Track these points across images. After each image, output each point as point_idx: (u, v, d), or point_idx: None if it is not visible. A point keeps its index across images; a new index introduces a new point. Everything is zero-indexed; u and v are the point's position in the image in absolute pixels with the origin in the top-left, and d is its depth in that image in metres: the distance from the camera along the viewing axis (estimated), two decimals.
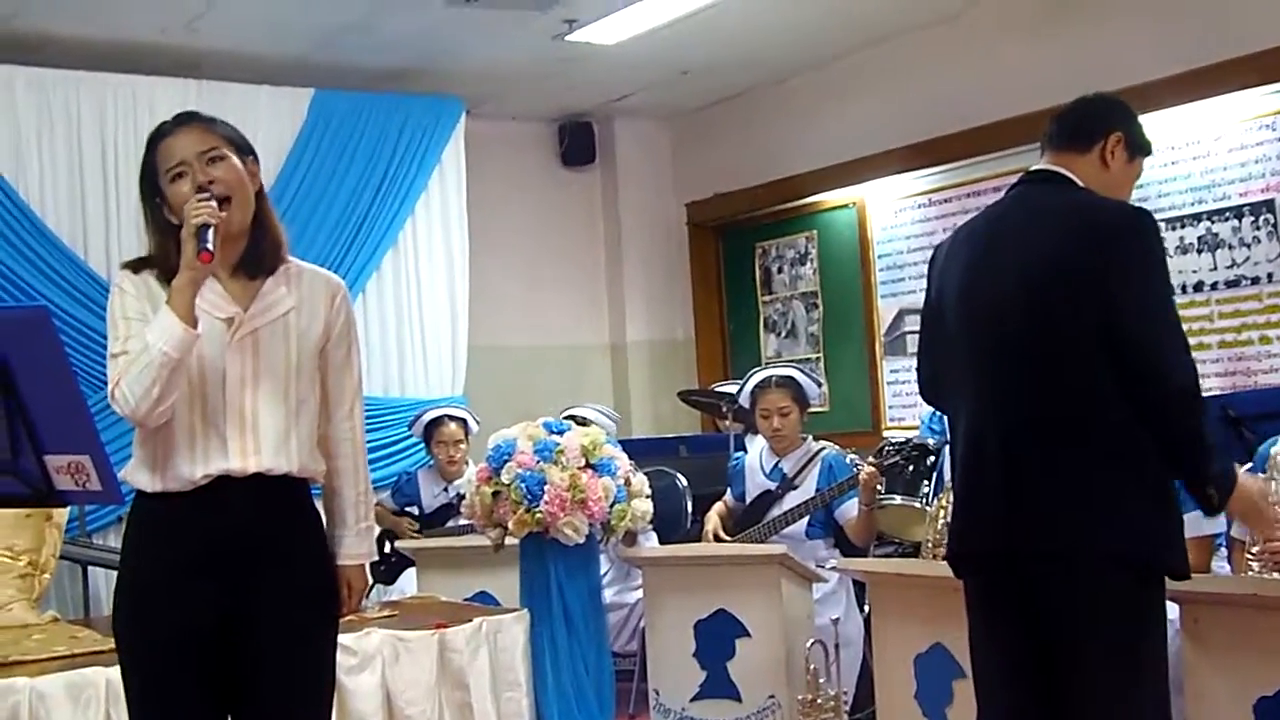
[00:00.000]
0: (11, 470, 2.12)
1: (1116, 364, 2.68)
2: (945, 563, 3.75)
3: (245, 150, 2.78)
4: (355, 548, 2.87)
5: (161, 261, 2.68)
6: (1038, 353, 2.77)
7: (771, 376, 5.19)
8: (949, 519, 3.10)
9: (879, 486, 5.08)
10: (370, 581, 3.05)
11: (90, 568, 5.72)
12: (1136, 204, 2.98)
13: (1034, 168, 2.99)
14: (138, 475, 2.69)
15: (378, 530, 2.97)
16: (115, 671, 3.47)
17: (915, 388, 3.29)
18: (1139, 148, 2.98)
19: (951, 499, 4.06)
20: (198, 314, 2.62)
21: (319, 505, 2.88)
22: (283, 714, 2.74)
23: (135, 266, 2.75)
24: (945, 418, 5.32)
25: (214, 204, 2.61)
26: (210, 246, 2.56)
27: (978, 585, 2.93)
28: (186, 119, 2.76)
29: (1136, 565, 2.70)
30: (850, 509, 4.94)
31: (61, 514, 4.91)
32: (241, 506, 2.68)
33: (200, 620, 2.66)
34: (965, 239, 3.02)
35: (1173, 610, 3.24)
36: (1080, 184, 2.90)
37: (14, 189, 6.06)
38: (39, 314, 2.06)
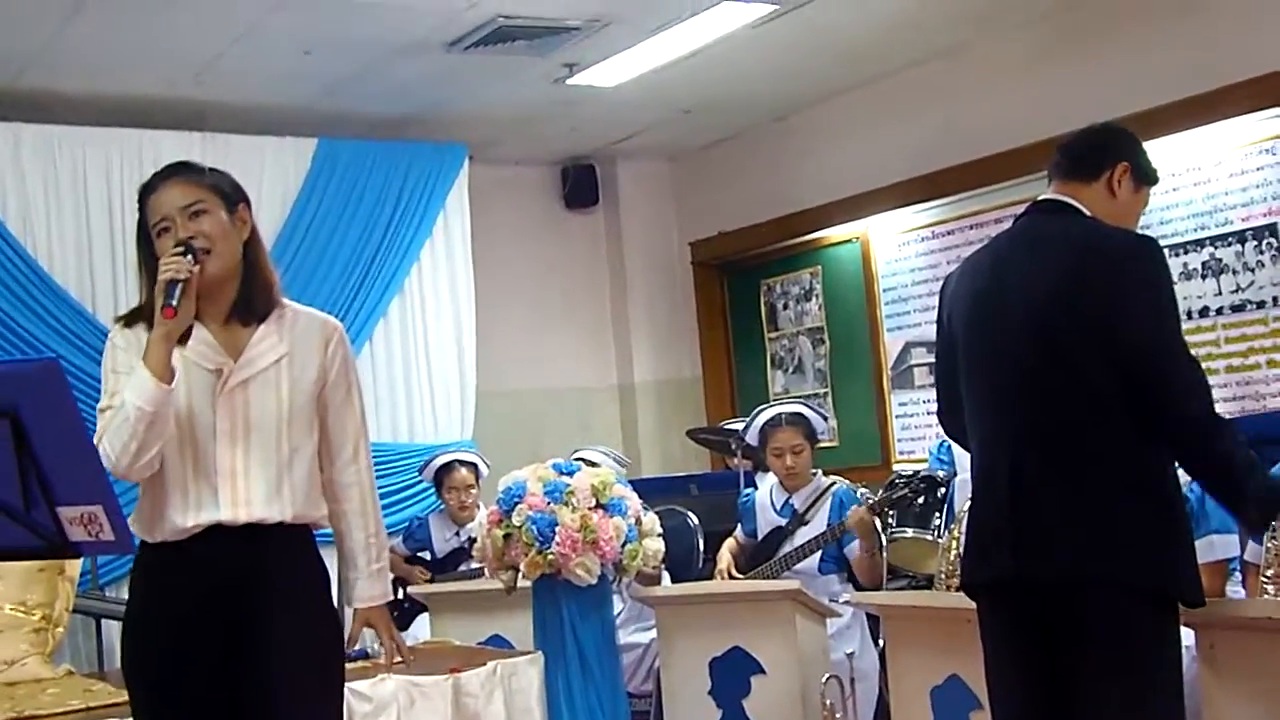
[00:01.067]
0: (25, 522, 2.13)
1: (1131, 393, 2.68)
2: (959, 594, 3.76)
3: (234, 198, 2.79)
4: (368, 590, 2.88)
5: (151, 313, 2.69)
6: (1046, 382, 2.78)
7: (781, 414, 5.19)
8: (961, 550, 3.09)
9: (890, 519, 5.08)
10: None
11: (104, 620, 5.71)
12: (1142, 232, 2.99)
13: (1041, 197, 3.01)
14: (137, 525, 2.70)
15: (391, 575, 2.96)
16: None
17: (924, 420, 3.31)
18: (1145, 176, 3.00)
19: (960, 531, 4.08)
20: (188, 365, 2.65)
21: (324, 549, 2.87)
22: None
23: (128, 320, 2.78)
24: (953, 449, 5.37)
25: (185, 258, 2.62)
26: (174, 303, 2.57)
27: (990, 613, 2.93)
28: (172, 172, 2.78)
29: (1148, 592, 2.70)
30: (856, 548, 4.94)
31: (74, 567, 4.92)
32: (236, 555, 2.68)
33: (200, 666, 2.66)
34: (973, 269, 3.04)
35: (1189, 637, 3.23)
36: (1087, 213, 2.92)
37: (21, 244, 6.10)
38: (50, 366, 2.07)
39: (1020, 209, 3.14)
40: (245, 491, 2.68)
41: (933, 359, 6.90)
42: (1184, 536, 2.73)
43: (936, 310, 3.16)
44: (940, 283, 3.23)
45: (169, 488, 2.67)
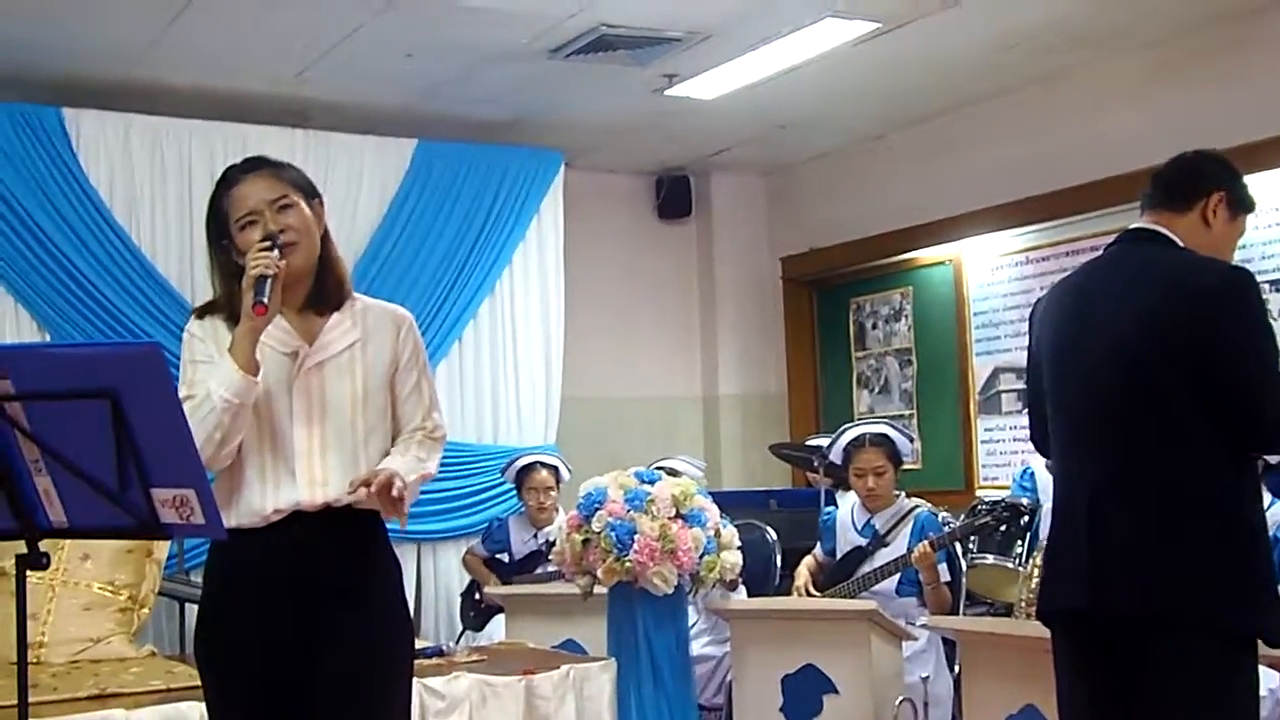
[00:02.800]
0: (119, 502, 2.18)
1: (1225, 426, 2.64)
2: (1038, 623, 3.72)
3: (311, 194, 2.85)
4: (393, 463, 2.75)
5: (227, 305, 2.76)
6: (1130, 412, 2.75)
7: (866, 435, 5.16)
8: (1041, 575, 3.06)
9: (971, 546, 5.04)
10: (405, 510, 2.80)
11: (187, 604, 5.80)
12: (1237, 264, 2.94)
13: (1133, 226, 2.97)
14: None
15: (415, 489, 2.81)
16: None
17: (1010, 447, 3.29)
18: (1242, 206, 2.95)
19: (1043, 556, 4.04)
20: (263, 349, 2.69)
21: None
22: None
23: (202, 312, 2.84)
24: (1037, 477, 5.32)
25: (274, 254, 2.67)
26: (264, 299, 2.62)
27: (1064, 643, 2.90)
28: (255, 165, 2.83)
29: (1225, 631, 2.65)
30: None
31: (162, 550, 5.02)
32: (312, 541, 2.71)
33: (272, 653, 2.69)
34: (1061, 295, 3.01)
35: (1273, 678, 3.18)
36: (1180, 244, 2.88)
37: (126, 232, 6.24)
38: (152, 350, 2.12)
39: (1115, 238, 3.09)
40: (322, 472, 2.71)
41: (1020, 385, 6.89)
42: (1266, 575, 2.67)
43: (1027, 335, 3.13)
44: (1031, 308, 3.20)
45: (246, 471, 2.72)
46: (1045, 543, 4.07)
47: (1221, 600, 2.65)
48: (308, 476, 2.72)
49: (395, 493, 2.64)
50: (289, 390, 2.74)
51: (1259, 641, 2.71)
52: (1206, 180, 2.93)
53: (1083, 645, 2.83)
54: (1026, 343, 3.14)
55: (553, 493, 6.22)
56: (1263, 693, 2.80)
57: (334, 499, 2.72)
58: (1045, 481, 5.18)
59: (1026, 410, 3.19)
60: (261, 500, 2.71)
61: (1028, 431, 3.23)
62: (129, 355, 2.15)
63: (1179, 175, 2.96)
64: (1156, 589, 2.67)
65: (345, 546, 2.75)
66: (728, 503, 5.42)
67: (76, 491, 2.19)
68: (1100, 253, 3.03)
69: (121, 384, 2.11)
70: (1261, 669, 2.78)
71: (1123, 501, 2.73)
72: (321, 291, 2.83)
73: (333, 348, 2.79)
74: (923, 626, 4.66)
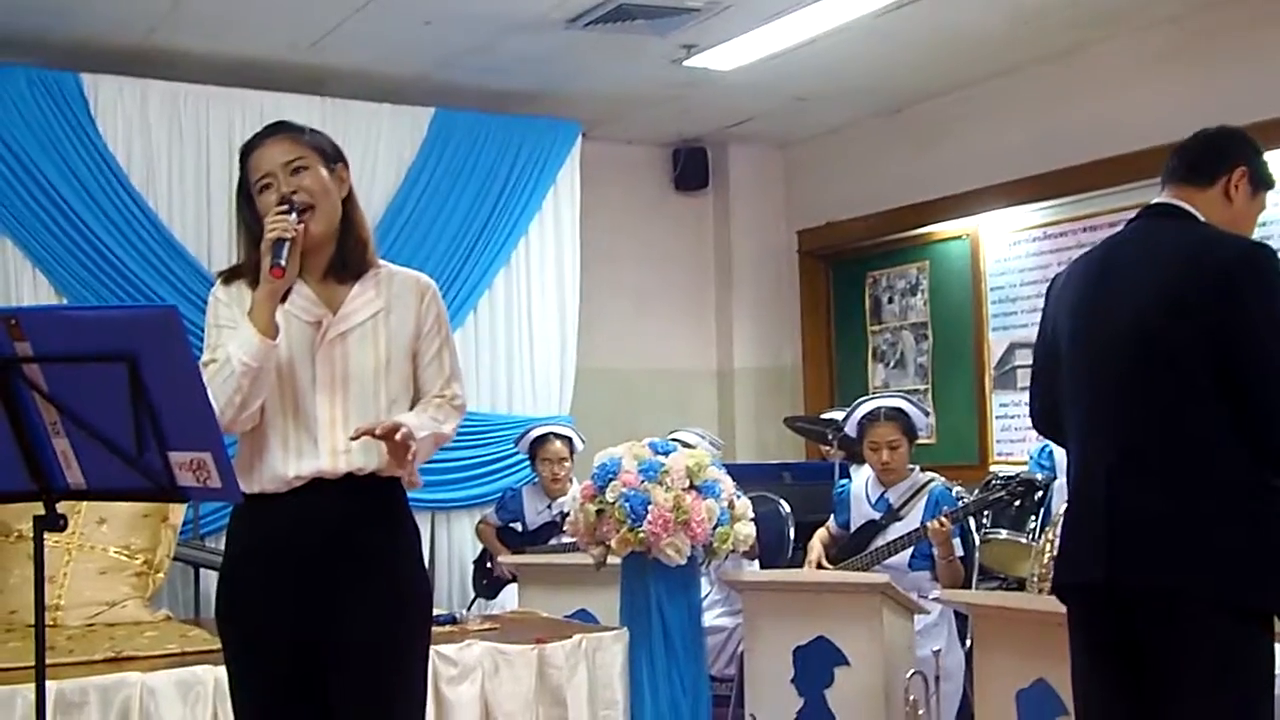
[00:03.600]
0: (137, 464, 2.19)
1: (1235, 400, 2.64)
2: (1051, 597, 3.72)
3: (334, 158, 2.84)
4: (406, 417, 2.74)
5: (252, 270, 2.75)
6: (1149, 388, 2.74)
7: (881, 409, 5.15)
8: (1055, 552, 3.06)
9: (985, 520, 5.04)
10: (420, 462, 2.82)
11: (202, 570, 5.84)
12: (1258, 239, 2.93)
13: (1154, 201, 2.96)
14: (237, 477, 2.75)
15: (433, 445, 2.83)
16: (223, 670, 3.59)
17: (1024, 422, 3.29)
18: (1263, 182, 2.94)
19: (1056, 534, 4.04)
20: (288, 318, 2.71)
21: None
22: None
23: (228, 276, 2.84)
24: (1055, 454, 5.31)
25: (291, 217, 2.67)
26: (282, 262, 2.63)
27: (1080, 618, 2.90)
28: (274, 130, 2.83)
29: (1242, 607, 2.65)
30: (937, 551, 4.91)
31: (177, 515, 5.04)
32: (334, 508, 2.72)
33: (292, 619, 2.71)
34: (1083, 271, 3.00)
35: None
36: (1201, 219, 2.87)
37: (144, 198, 6.25)
38: (169, 314, 2.13)
39: (1131, 214, 3.08)
40: (345, 440, 2.72)
41: None
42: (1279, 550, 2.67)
43: (1042, 309, 3.12)
44: (1048, 283, 3.19)
45: (270, 437, 2.73)
46: (1060, 517, 4.09)
47: (1239, 575, 2.65)
48: (330, 445, 2.72)
49: (400, 438, 2.62)
50: (312, 359, 2.75)
51: (1274, 618, 2.71)
52: (1229, 156, 2.92)
53: (1098, 619, 2.83)
54: (1041, 317, 3.12)
55: (566, 464, 6.23)
56: (1277, 670, 2.79)
57: (357, 467, 2.73)
58: (1063, 459, 5.16)
59: (1030, 384, 3.18)
60: (284, 466, 2.72)
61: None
62: (147, 319, 2.16)
63: (1201, 150, 2.94)
64: (1174, 563, 2.67)
65: (367, 514, 2.76)
66: (741, 475, 5.41)
67: (94, 454, 2.20)
68: (1121, 228, 3.02)
69: (139, 347, 2.12)
70: (1277, 646, 2.77)
71: (1141, 475, 2.73)
72: (343, 258, 2.82)
73: (356, 316, 2.79)
74: (935, 600, 4.67)
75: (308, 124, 2.94)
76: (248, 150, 2.82)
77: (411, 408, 2.84)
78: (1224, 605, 2.64)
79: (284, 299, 2.73)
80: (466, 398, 2.95)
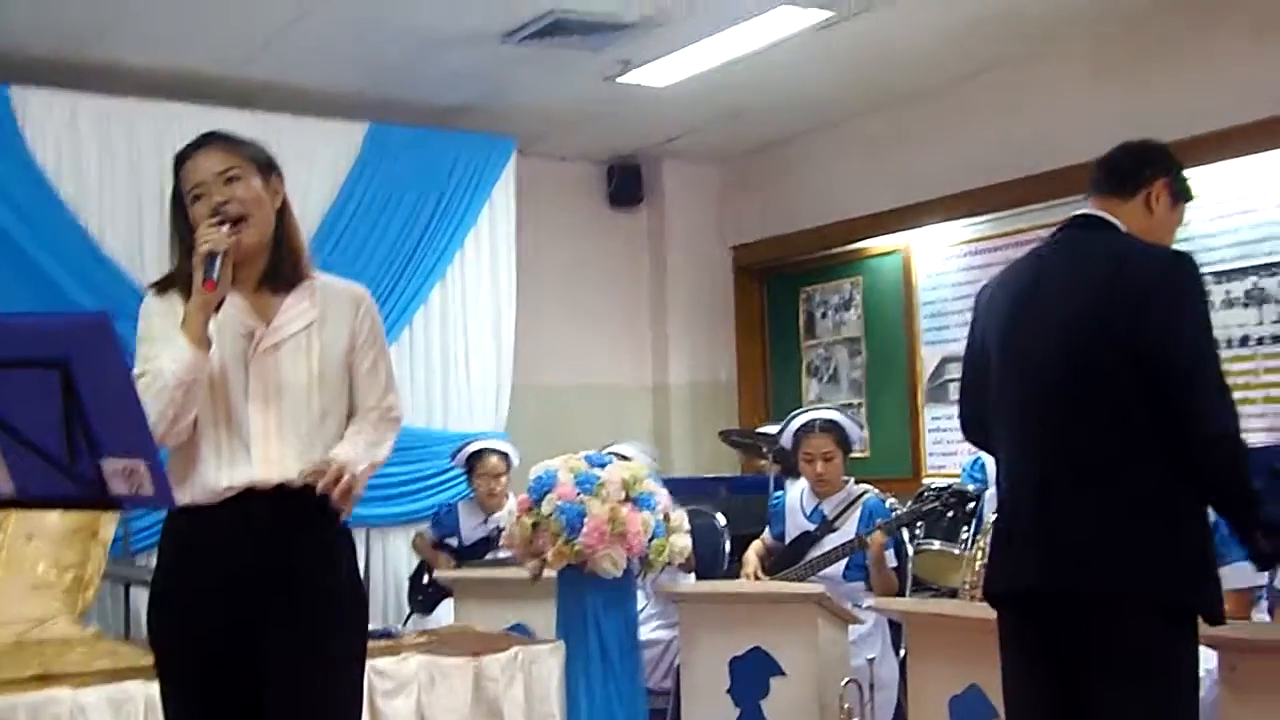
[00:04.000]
0: (68, 472, 2.16)
1: (1158, 408, 2.69)
2: (983, 604, 3.77)
3: (268, 168, 2.82)
4: (344, 452, 2.74)
5: (184, 280, 2.73)
6: (1076, 396, 2.79)
7: (815, 420, 5.20)
8: (989, 558, 3.10)
9: (917, 531, 5.09)
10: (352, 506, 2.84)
11: (133, 587, 5.77)
12: (1180, 250, 2.99)
13: (1078, 212, 3.02)
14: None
15: (370, 458, 2.84)
16: (155, 687, 3.54)
17: (957, 435, 3.33)
18: (1182, 194, 3.02)
19: (988, 543, 4.09)
20: (221, 329, 2.69)
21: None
22: None
23: (161, 287, 2.82)
24: (987, 466, 5.37)
25: (223, 229, 2.66)
26: (214, 275, 2.62)
27: (1011, 623, 2.94)
28: (209, 139, 2.81)
29: (1171, 608, 2.70)
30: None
31: (107, 531, 4.97)
32: (266, 519, 2.71)
33: (223, 631, 2.69)
34: (1009, 282, 3.05)
35: (1211, 659, 3.23)
36: (1124, 229, 2.93)
37: (74, 215, 6.18)
38: (101, 320, 2.10)
39: (1061, 224, 3.13)
40: (277, 451, 2.71)
41: None
42: (1207, 554, 2.73)
43: (970, 320, 3.17)
44: (976, 294, 3.24)
45: (201, 448, 2.71)
46: (991, 526, 4.14)
47: (1168, 578, 2.70)
48: (263, 455, 2.71)
49: (343, 486, 2.65)
50: (245, 369, 2.74)
51: (1199, 620, 2.76)
52: (1149, 168, 2.99)
53: (1029, 625, 2.87)
54: (969, 328, 3.16)
55: (503, 479, 6.22)
56: (1201, 673, 2.84)
57: (288, 479, 2.71)
58: (994, 471, 5.22)
59: (960, 395, 3.22)
60: (216, 477, 2.70)
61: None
62: (79, 325, 2.13)
63: (1123, 163, 3.01)
64: (1104, 569, 2.71)
65: (299, 526, 2.74)
66: (677, 489, 5.44)
67: (25, 461, 2.17)
68: (1047, 239, 3.07)
69: (71, 354, 2.09)
70: (1201, 649, 2.82)
71: (1069, 483, 2.77)
72: (276, 268, 2.80)
73: (289, 328, 2.78)
74: (869, 608, 4.71)
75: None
76: (181, 159, 2.80)
77: (349, 419, 2.83)
78: (1152, 608, 2.68)
79: (217, 310, 2.71)
80: (402, 410, 2.94)
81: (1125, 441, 2.74)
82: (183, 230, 2.79)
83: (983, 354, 3.06)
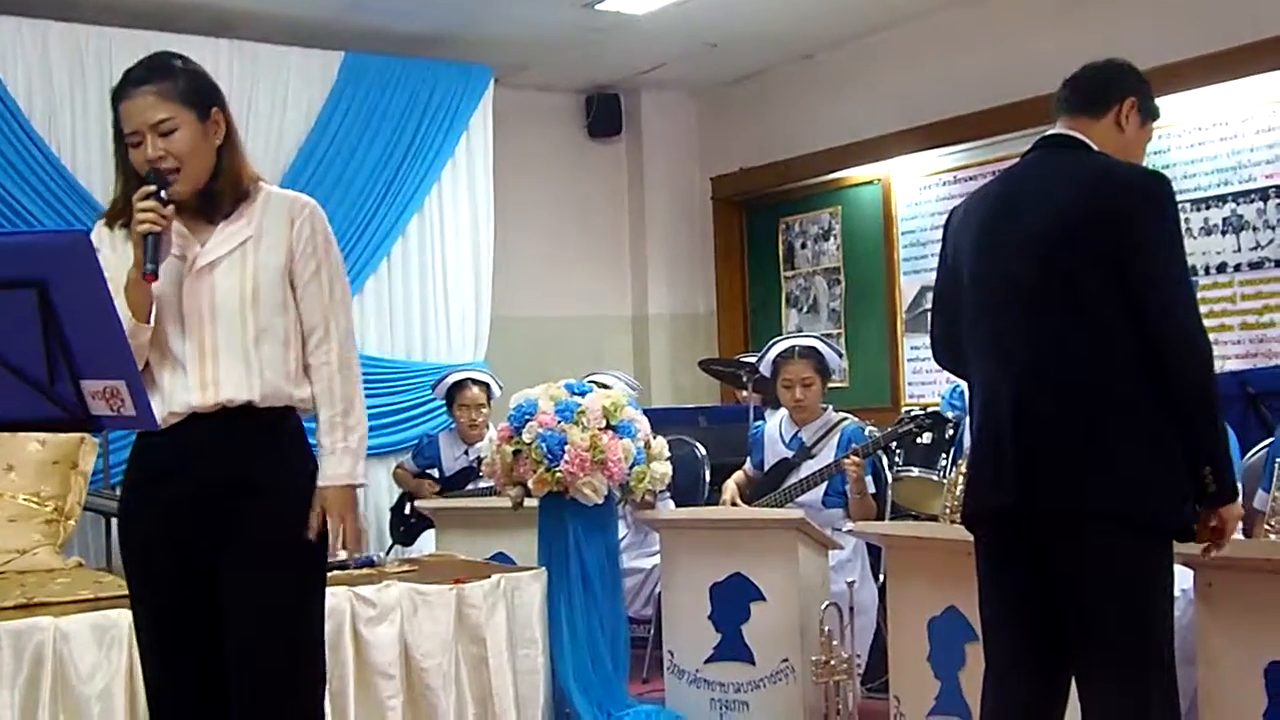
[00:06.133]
0: (49, 394, 2.16)
1: (1136, 322, 2.70)
2: (960, 526, 3.80)
3: (206, 102, 2.76)
4: (329, 469, 2.81)
5: (125, 210, 2.72)
6: (1052, 311, 2.80)
7: (795, 346, 5.21)
8: (966, 478, 3.11)
9: (897, 457, 5.11)
10: (362, 509, 2.98)
11: (113, 519, 5.76)
12: (1156, 169, 2.99)
13: (1049, 132, 3.00)
14: None
15: (362, 459, 2.90)
16: None
17: (935, 364, 3.33)
18: (1150, 112, 3.03)
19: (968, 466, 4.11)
20: None
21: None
22: (246, 652, 2.74)
23: (109, 219, 2.81)
24: (964, 393, 5.39)
25: (157, 202, 2.63)
26: (154, 267, 2.61)
27: (988, 543, 2.96)
28: (141, 80, 2.73)
29: (1146, 525, 2.72)
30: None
31: (87, 462, 4.97)
32: (210, 442, 2.73)
33: (178, 549, 2.74)
34: (980, 202, 3.05)
35: (1186, 578, 3.26)
36: (1095, 148, 2.93)
37: (46, 143, 6.11)
38: (80, 238, 2.09)
39: (1032, 145, 3.10)
40: (213, 372, 2.72)
41: None
42: (1181, 471, 2.74)
43: (941, 242, 3.16)
44: (947, 215, 3.23)
45: (145, 378, 2.73)
46: (970, 447, 4.16)
47: (1145, 497, 2.72)
48: (199, 379, 2.73)
49: (346, 531, 2.78)
50: (181, 293, 2.74)
51: (1172, 536, 2.78)
52: (1118, 87, 2.99)
53: (1007, 544, 2.88)
54: (940, 250, 3.16)
55: (484, 410, 6.22)
56: (1175, 592, 2.87)
57: (226, 399, 2.72)
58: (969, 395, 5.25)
59: (931, 318, 3.23)
60: (159, 406, 2.71)
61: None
62: (58, 244, 2.12)
63: (1092, 82, 3.00)
64: (1080, 485, 2.73)
65: (244, 445, 2.76)
66: (657, 420, 5.43)
67: (5, 383, 2.17)
68: (1019, 159, 3.05)
69: (50, 274, 2.08)
70: (1176, 567, 2.85)
71: (1046, 399, 2.78)
72: (209, 200, 2.78)
73: (223, 247, 2.77)
74: (849, 532, 4.74)
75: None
76: (116, 97, 2.74)
77: (298, 336, 2.81)
78: (1131, 524, 2.70)
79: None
80: (349, 333, 2.89)
81: (1099, 356, 2.75)
82: (125, 165, 2.77)
83: (954, 273, 3.06)
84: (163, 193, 2.65)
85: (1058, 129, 2.99)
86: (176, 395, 2.72)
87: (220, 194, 2.78)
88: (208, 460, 2.73)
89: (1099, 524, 2.72)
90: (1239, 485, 2.85)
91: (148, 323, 2.67)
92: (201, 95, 2.77)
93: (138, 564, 2.82)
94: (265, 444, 2.78)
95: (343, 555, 3.14)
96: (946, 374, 6.44)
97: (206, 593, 2.74)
